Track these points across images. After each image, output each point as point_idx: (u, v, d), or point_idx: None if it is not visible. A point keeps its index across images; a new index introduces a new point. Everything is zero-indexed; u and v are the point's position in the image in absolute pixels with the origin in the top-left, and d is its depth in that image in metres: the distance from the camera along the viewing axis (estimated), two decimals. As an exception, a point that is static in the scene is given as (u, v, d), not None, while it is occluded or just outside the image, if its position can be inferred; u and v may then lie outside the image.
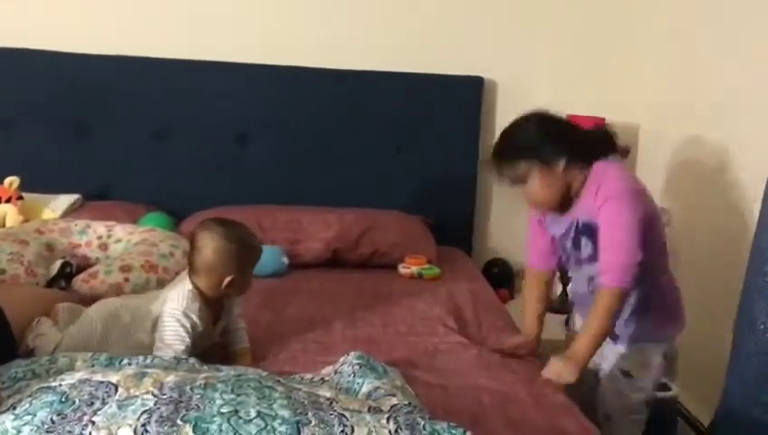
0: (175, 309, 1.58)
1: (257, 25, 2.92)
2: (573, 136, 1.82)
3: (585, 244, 1.83)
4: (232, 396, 1.14)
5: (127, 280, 2.03)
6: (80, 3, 2.87)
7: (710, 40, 2.55)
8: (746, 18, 2.34)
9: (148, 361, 1.39)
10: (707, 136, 2.52)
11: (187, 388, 1.16)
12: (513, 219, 3.11)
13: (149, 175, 2.88)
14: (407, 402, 1.29)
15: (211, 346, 1.69)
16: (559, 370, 1.70)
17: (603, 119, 2.76)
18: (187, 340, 1.56)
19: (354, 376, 1.42)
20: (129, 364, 1.36)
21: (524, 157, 1.78)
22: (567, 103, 2.86)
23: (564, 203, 1.84)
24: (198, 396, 1.13)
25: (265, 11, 2.92)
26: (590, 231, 1.79)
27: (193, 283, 1.62)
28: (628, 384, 1.93)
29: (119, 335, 1.60)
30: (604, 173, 1.78)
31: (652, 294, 1.86)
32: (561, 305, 2.85)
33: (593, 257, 1.80)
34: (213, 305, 1.66)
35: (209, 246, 1.60)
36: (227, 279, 1.60)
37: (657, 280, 1.87)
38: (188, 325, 1.57)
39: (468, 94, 2.96)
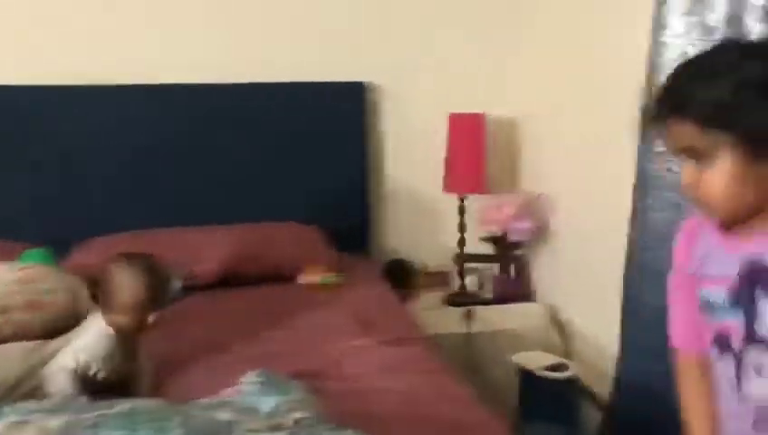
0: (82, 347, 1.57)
1: (134, 45, 2.81)
2: None
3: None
4: (124, 432, 1.09)
5: (6, 322, 1.90)
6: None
7: (584, 38, 2.67)
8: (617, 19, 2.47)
9: (32, 405, 1.31)
10: (585, 127, 2.64)
11: (78, 430, 1.10)
12: (408, 219, 3.16)
13: (24, 210, 2.72)
14: (310, 416, 1.28)
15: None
16: None
17: (482, 114, 2.84)
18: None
19: (255, 395, 1.39)
20: (11, 412, 1.27)
21: (722, 125, 1.01)
22: (447, 102, 2.96)
23: (739, 219, 1.08)
24: (88, 438, 1.07)
25: (142, 31, 2.82)
26: None
27: (109, 323, 1.61)
28: None
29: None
30: None
31: None
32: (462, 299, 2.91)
33: None
34: (130, 342, 1.64)
35: (132, 284, 1.59)
36: (153, 316, 1.61)
37: None
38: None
39: (351, 100, 2.96)
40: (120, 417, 1.15)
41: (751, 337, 1.06)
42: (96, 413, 1.19)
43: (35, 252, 2.46)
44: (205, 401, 1.44)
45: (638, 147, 2.07)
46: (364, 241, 3.05)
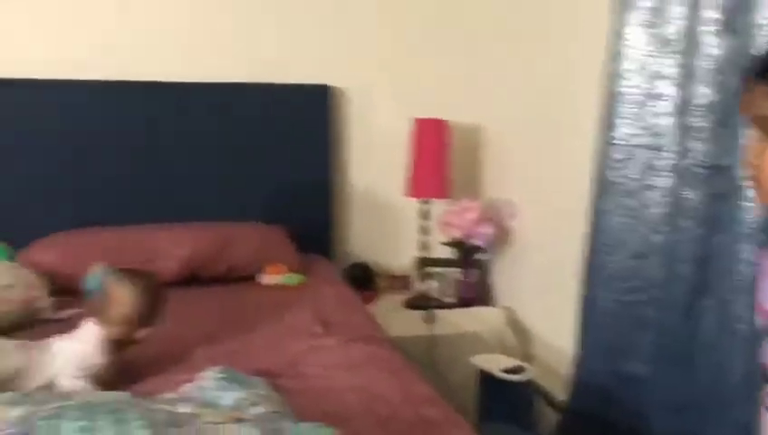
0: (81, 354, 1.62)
1: (92, 40, 2.78)
2: None
3: None
4: (84, 423, 1.08)
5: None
6: None
7: (545, 48, 2.73)
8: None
9: (-10, 398, 1.29)
10: (545, 134, 2.69)
11: (35, 419, 1.09)
12: (370, 223, 3.17)
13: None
14: (272, 410, 1.29)
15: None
16: None
17: (446, 121, 2.88)
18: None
19: (217, 390, 1.39)
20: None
21: None
22: (411, 107, 2.99)
23: None
24: (48, 427, 1.06)
25: (103, 24, 2.79)
26: None
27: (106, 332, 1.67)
28: None
29: None
30: None
31: None
32: (423, 302, 2.94)
33: None
34: (118, 352, 1.70)
35: (130, 299, 1.67)
36: (146, 331, 1.70)
37: None
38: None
39: (315, 102, 2.98)
40: (79, 408, 1.14)
41: None
42: (55, 405, 1.18)
43: (-8, 247, 2.41)
44: (165, 395, 1.43)
45: (596, 154, 2.12)
46: (326, 243, 3.06)
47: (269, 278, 2.55)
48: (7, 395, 1.30)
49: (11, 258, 2.36)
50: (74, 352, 1.63)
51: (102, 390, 1.58)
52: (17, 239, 2.49)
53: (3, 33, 2.71)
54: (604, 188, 2.10)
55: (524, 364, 2.52)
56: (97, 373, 1.63)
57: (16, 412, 1.11)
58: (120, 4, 2.80)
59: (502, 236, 2.99)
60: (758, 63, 1.05)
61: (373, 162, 3.10)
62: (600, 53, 2.10)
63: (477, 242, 2.95)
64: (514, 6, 2.91)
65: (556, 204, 2.62)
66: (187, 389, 1.46)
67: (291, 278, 2.55)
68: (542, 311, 2.79)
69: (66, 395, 1.31)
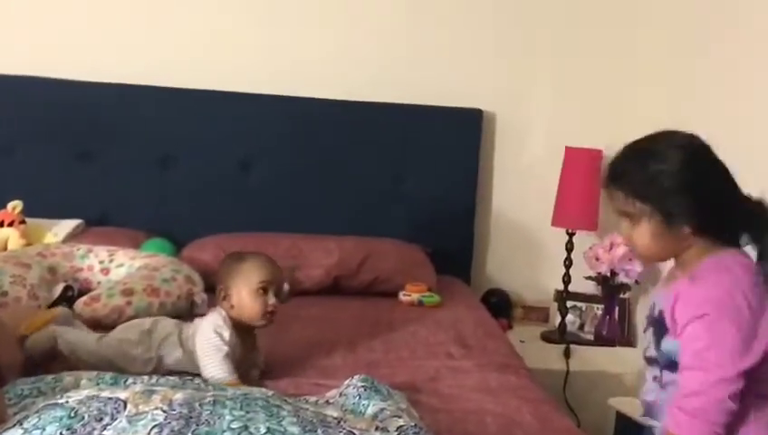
0: (207, 338, 1.60)
1: (262, 56, 2.95)
2: (719, 199, 1.40)
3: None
4: (241, 413, 1.14)
5: (129, 303, 2.03)
6: (81, 31, 2.90)
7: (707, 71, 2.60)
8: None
9: (154, 380, 1.39)
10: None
11: (197, 404, 1.16)
12: (511, 250, 3.14)
13: (151, 202, 2.88)
14: (413, 424, 1.30)
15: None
16: None
17: (600, 150, 2.80)
18: (225, 348, 1.58)
19: (359, 398, 1.42)
20: (135, 383, 1.36)
21: (643, 199, 1.39)
22: (565, 135, 2.94)
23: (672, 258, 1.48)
24: (208, 412, 1.13)
25: (269, 41, 2.97)
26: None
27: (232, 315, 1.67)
28: None
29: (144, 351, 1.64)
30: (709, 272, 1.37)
31: None
32: (561, 336, 2.86)
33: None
34: (243, 334, 1.68)
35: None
36: (218, 289, 1.68)
37: None
38: (222, 342, 1.59)
39: (467, 126, 2.99)
40: (235, 399, 1.20)
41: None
42: (213, 393, 1.25)
43: (156, 242, 2.61)
44: (311, 398, 1.48)
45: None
46: (465, 267, 3.05)
47: (408, 295, 2.57)
48: (165, 380, 1.40)
49: (173, 254, 2.53)
50: (205, 327, 1.64)
51: (244, 383, 1.62)
52: (180, 237, 2.69)
53: (199, 48, 2.94)
54: None
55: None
56: (231, 355, 1.60)
57: (180, 395, 1.19)
58: (299, 28, 2.97)
59: (649, 275, 2.86)
60: (610, 170, 1.46)
61: (520, 189, 3.07)
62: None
63: (623, 279, 2.83)
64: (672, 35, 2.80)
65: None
66: (331, 394, 1.50)
67: (429, 297, 2.56)
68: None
69: (220, 388, 1.38)
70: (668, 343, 1.42)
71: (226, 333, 1.61)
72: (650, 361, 1.50)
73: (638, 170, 1.41)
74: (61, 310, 1.82)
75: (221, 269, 1.73)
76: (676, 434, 1.33)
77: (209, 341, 1.59)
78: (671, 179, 1.37)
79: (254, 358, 1.74)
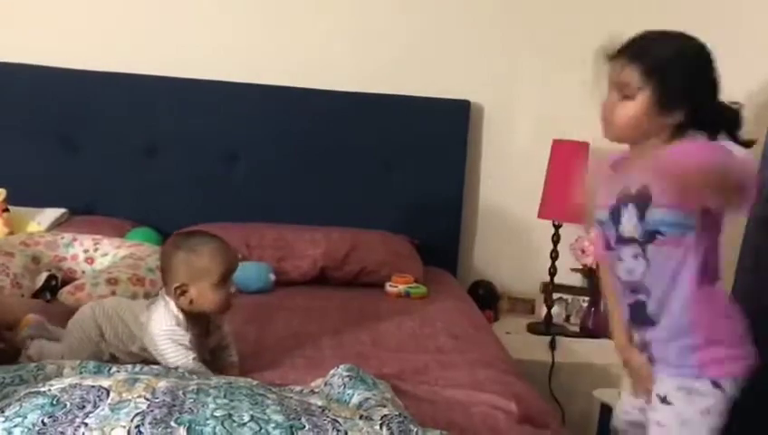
0: (162, 330, 1.54)
1: (247, 45, 2.94)
2: (714, 96, 1.48)
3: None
4: (225, 401, 1.13)
5: (114, 293, 2.02)
6: (67, 18, 2.88)
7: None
8: None
9: (137, 368, 1.38)
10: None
11: (180, 392, 1.15)
12: (498, 242, 3.14)
13: (136, 191, 2.87)
14: (397, 413, 1.29)
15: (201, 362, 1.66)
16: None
17: (587, 143, 2.80)
18: (189, 346, 1.53)
19: (344, 387, 1.41)
20: (119, 372, 1.35)
21: (651, 75, 1.43)
22: (552, 127, 2.94)
23: (625, 141, 1.55)
24: (191, 400, 1.12)
25: (255, 31, 2.95)
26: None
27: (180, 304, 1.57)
28: None
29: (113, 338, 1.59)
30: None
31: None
32: (547, 328, 2.87)
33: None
34: (195, 320, 1.59)
35: (162, 254, 1.60)
36: (175, 286, 1.54)
37: None
38: (180, 338, 1.54)
39: (455, 117, 2.99)
40: (219, 387, 1.20)
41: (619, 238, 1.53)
42: (197, 381, 1.25)
43: (141, 231, 2.59)
44: (297, 388, 1.48)
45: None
46: (451, 258, 3.05)
47: (394, 286, 2.57)
48: (149, 369, 1.39)
49: (159, 243, 2.52)
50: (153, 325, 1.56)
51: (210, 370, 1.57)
52: (165, 227, 2.67)
53: (186, 37, 2.93)
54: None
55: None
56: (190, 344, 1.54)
57: (163, 383, 1.18)
58: (286, 18, 2.96)
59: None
60: (629, 45, 1.48)
61: (507, 181, 3.08)
62: None
63: (609, 271, 2.84)
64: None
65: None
66: (316, 383, 1.50)
67: (416, 289, 2.56)
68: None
69: (204, 377, 1.37)
70: (655, 213, 1.45)
71: (181, 333, 1.54)
72: (628, 241, 1.51)
73: (656, 50, 1.47)
74: (34, 317, 1.71)
75: (173, 262, 1.57)
76: (683, 164, 1.26)
77: (164, 347, 1.53)
78: (686, 65, 1.45)
79: (222, 339, 1.68)
